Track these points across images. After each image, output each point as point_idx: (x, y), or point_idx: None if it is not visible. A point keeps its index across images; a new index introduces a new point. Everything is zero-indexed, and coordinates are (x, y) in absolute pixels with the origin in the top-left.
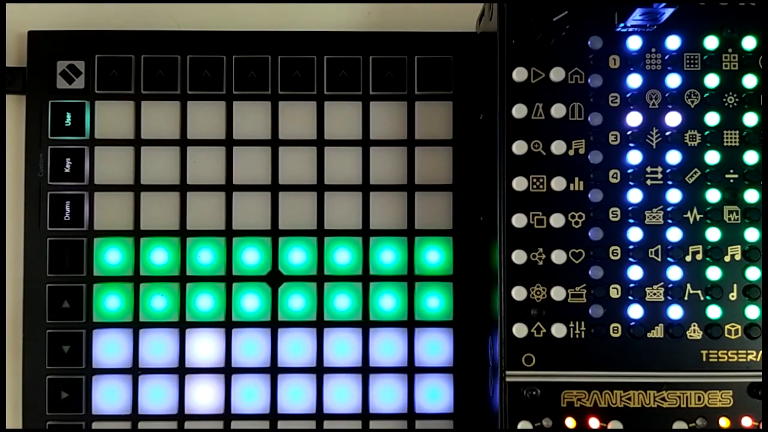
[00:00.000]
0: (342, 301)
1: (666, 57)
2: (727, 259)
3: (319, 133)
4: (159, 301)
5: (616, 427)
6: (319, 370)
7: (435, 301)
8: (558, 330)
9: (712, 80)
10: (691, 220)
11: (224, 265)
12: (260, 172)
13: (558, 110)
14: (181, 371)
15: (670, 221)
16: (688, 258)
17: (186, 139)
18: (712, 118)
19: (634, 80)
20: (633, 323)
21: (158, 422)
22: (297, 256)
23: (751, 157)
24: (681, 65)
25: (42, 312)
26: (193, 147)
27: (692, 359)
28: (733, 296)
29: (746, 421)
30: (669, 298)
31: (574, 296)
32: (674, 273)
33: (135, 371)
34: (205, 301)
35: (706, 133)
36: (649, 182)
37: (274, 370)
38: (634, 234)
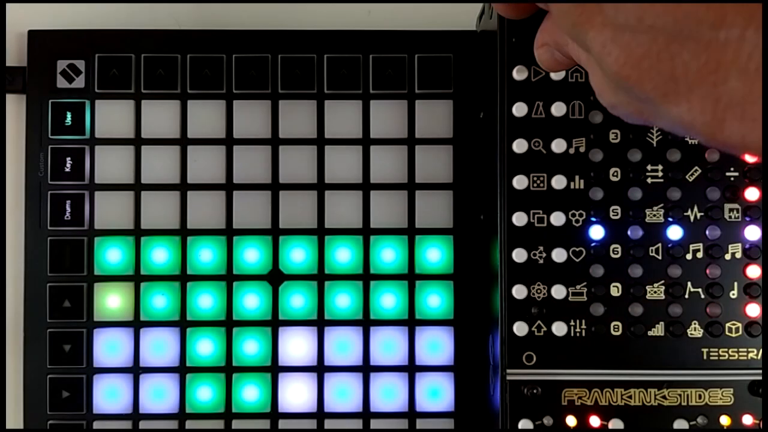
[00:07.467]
0: (342, 300)
1: None
2: (727, 257)
3: (319, 131)
4: (159, 300)
5: (617, 426)
6: (320, 369)
7: (435, 300)
8: (558, 328)
9: None
10: (692, 218)
11: (225, 264)
12: (260, 170)
13: (558, 108)
14: (182, 370)
15: (670, 219)
16: (689, 256)
17: (186, 138)
18: None
19: None
20: (633, 321)
21: (159, 421)
22: (297, 254)
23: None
24: None
25: (43, 311)
26: (193, 146)
27: (693, 357)
28: (733, 294)
29: (747, 419)
30: (669, 296)
31: (575, 294)
32: (675, 271)
33: (136, 370)
34: (205, 300)
35: None
36: (649, 180)
37: (274, 369)
38: (635, 232)
